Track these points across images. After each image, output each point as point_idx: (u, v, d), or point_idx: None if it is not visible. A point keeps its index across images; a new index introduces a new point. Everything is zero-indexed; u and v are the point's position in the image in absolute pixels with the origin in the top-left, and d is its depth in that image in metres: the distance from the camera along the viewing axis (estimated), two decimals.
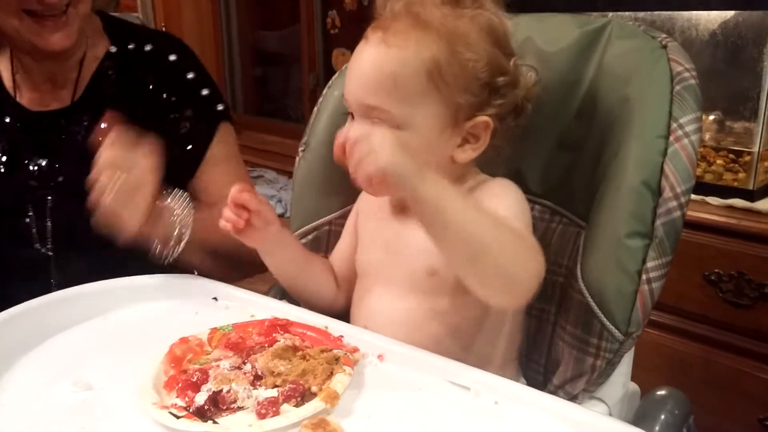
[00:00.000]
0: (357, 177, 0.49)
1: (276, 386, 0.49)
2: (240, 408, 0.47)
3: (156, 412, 0.46)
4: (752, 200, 1.13)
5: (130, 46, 0.86)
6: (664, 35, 0.60)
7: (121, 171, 0.63)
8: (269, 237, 0.61)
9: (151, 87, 0.84)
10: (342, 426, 0.45)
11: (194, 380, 0.49)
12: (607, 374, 0.57)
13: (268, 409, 0.46)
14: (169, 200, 0.71)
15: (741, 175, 1.17)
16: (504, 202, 0.57)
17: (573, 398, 0.58)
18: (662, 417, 0.56)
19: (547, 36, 0.65)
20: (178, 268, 0.74)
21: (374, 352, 0.54)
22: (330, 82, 0.78)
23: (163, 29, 3.17)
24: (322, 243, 0.75)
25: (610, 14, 0.70)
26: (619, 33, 0.62)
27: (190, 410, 0.46)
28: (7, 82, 0.83)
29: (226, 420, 0.46)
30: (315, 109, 0.77)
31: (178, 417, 0.45)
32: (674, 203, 0.54)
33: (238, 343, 0.54)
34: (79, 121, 0.82)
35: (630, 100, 0.58)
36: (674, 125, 0.55)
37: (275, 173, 2.81)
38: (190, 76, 0.86)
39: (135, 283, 0.67)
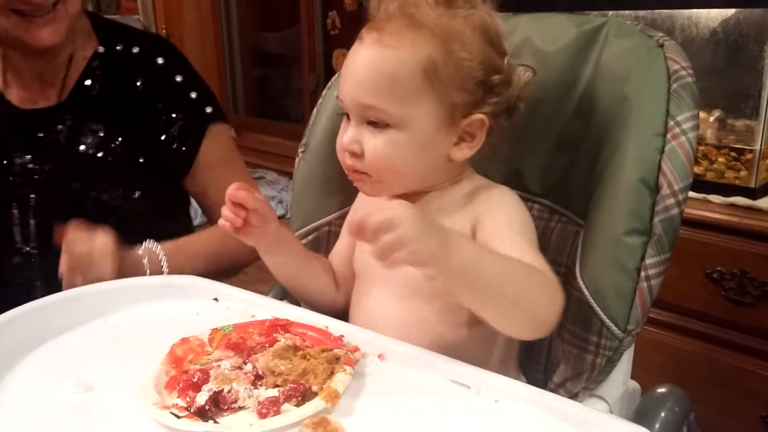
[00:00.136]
0: (382, 259, 0.44)
1: (277, 386, 0.49)
2: (241, 408, 0.47)
3: (157, 413, 0.46)
4: (754, 198, 1.12)
5: (118, 47, 0.86)
6: (661, 34, 0.60)
7: (81, 267, 0.69)
8: (268, 235, 0.61)
9: (139, 89, 0.85)
10: (343, 425, 0.45)
11: (195, 380, 0.49)
12: (607, 372, 0.57)
13: (269, 409, 0.46)
14: (140, 252, 0.76)
15: (743, 173, 1.17)
16: (507, 213, 0.57)
17: (573, 396, 0.58)
18: (662, 414, 0.56)
19: (545, 36, 0.66)
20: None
21: (375, 351, 0.54)
22: (329, 83, 0.78)
23: (164, 31, 3.18)
24: (322, 244, 0.76)
25: (610, 13, 0.70)
26: (616, 32, 0.62)
27: (192, 410, 0.46)
28: None
29: (227, 420, 0.46)
30: (314, 110, 0.78)
31: (179, 417, 0.45)
32: (672, 200, 0.54)
33: (239, 343, 0.55)
34: (65, 120, 0.83)
35: (627, 98, 0.58)
36: (671, 123, 0.55)
37: (276, 174, 2.82)
38: (179, 78, 0.87)
39: (136, 284, 0.67)
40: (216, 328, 0.57)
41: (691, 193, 0.81)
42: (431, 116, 0.55)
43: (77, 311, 0.62)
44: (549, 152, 0.66)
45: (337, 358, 0.51)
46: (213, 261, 0.86)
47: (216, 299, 0.66)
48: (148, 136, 0.86)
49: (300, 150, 0.78)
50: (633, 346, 0.59)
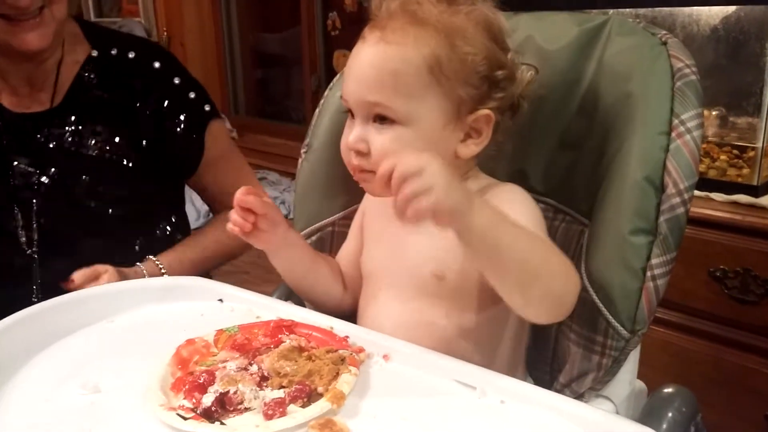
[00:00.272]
0: (404, 210, 0.44)
1: (282, 387, 0.49)
2: (247, 409, 0.47)
3: (163, 414, 0.46)
4: (756, 196, 1.12)
5: (113, 52, 0.88)
6: (664, 32, 0.60)
7: None
8: (277, 239, 0.61)
9: (138, 91, 0.86)
10: (348, 426, 0.45)
11: (201, 382, 0.49)
12: (613, 372, 0.57)
13: (274, 410, 0.46)
14: (141, 268, 0.81)
15: (745, 171, 1.16)
16: (519, 210, 0.56)
17: (579, 397, 0.58)
18: (669, 415, 0.56)
19: (546, 34, 0.65)
20: None
21: (379, 352, 0.54)
22: (331, 83, 0.78)
23: (165, 33, 3.19)
24: (326, 244, 0.76)
25: (611, 11, 0.70)
26: (619, 30, 0.62)
27: (198, 411, 0.46)
28: None
29: (233, 421, 0.46)
30: (317, 110, 0.78)
31: (185, 418, 0.45)
32: (677, 199, 0.54)
33: (244, 344, 0.55)
34: (62, 123, 0.84)
35: (631, 96, 0.58)
36: (676, 121, 0.55)
37: (278, 175, 2.82)
38: (177, 80, 0.89)
39: (141, 286, 0.68)
40: (221, 329, 0.57)
41: None
42: (437, 112, 0.55)
43: (83, 313, 0.62)
44: (552, 151, 0.66)
45: (342, 359, 0.51)
46: (209, 265, 0.91)
47: (221, 300, 0.66)
48: (152, 136, 0.87)
49: (303, 150, 0.78)
50: (639, 346, 0.58)
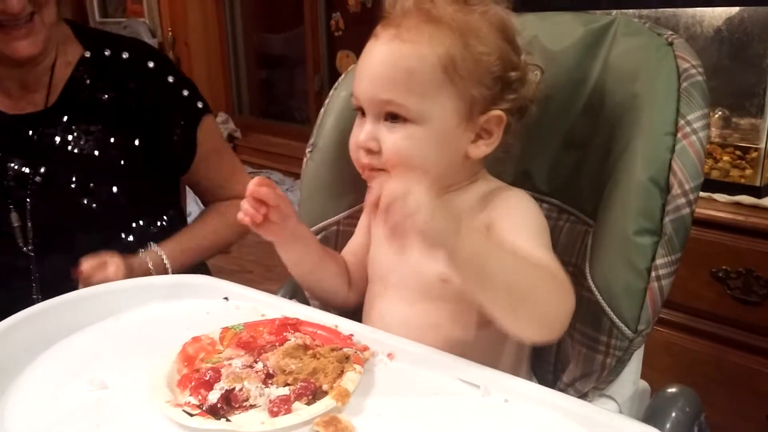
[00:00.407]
0: (394, 234, 0.45)
1: (287, 384, 0.49)
2: (252, 406, 0.48)
3: (170, 410, 0.46)
4: (759, 197, 1.12)
5: (107, 53, 0.89)
6: (670, 32, 0.60)
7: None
8: (286, 232, 0.61)
9: (133, 91, 0.87)
10: (353, 424, 0.45)
11: (207, 379, 0.49)
12: (617, 372, 0.57)
13: (280, 407, 0.46)
14: (144, 257, 0.83)
15: (748, 172, 1.16)
16: (523, 217, 0.57)
17: (583, 396, 0.58)
18: (673, 415, 0.56)
19: (552, 34, 0.66)
20: None
21: (384, 350, 0.54)
22: (336, 83, 0.78)
23: (170, 33, 3.20)
24: (330, 243, 0.76)
25: (615, 12, 0.70)
26: (625, 30, 0.62)
27: (204, 408, 0.47)
28: None
29: (238, 418, 0.47)
30: (321, 110, 0.78)
31: (191, 415, 0.46)
32: (683, 200, 0.54)
33: (250, 342, 0.55)
34: (56, 124, 0.84)
35: (637, 96, 0.58)
36: (682, 122, 0.55)
37: (281, 174, 2.82)
38: (170, 79, 0.91)
39: (147, 284, 0.68)
40: (227, 327, 0.57)
41: None
42: (450, 111, 0.55)
43: (90, 311, 0.62)
44: (557, 151, 0.66)
45: (347, 357, 0.51)
46: (207, 255, 0.94)
47: (226, 298, 0.66)
48: (147, 135, 0.88)
49: (307, 150, 0.78)
50: (643, 346, 0.59)
